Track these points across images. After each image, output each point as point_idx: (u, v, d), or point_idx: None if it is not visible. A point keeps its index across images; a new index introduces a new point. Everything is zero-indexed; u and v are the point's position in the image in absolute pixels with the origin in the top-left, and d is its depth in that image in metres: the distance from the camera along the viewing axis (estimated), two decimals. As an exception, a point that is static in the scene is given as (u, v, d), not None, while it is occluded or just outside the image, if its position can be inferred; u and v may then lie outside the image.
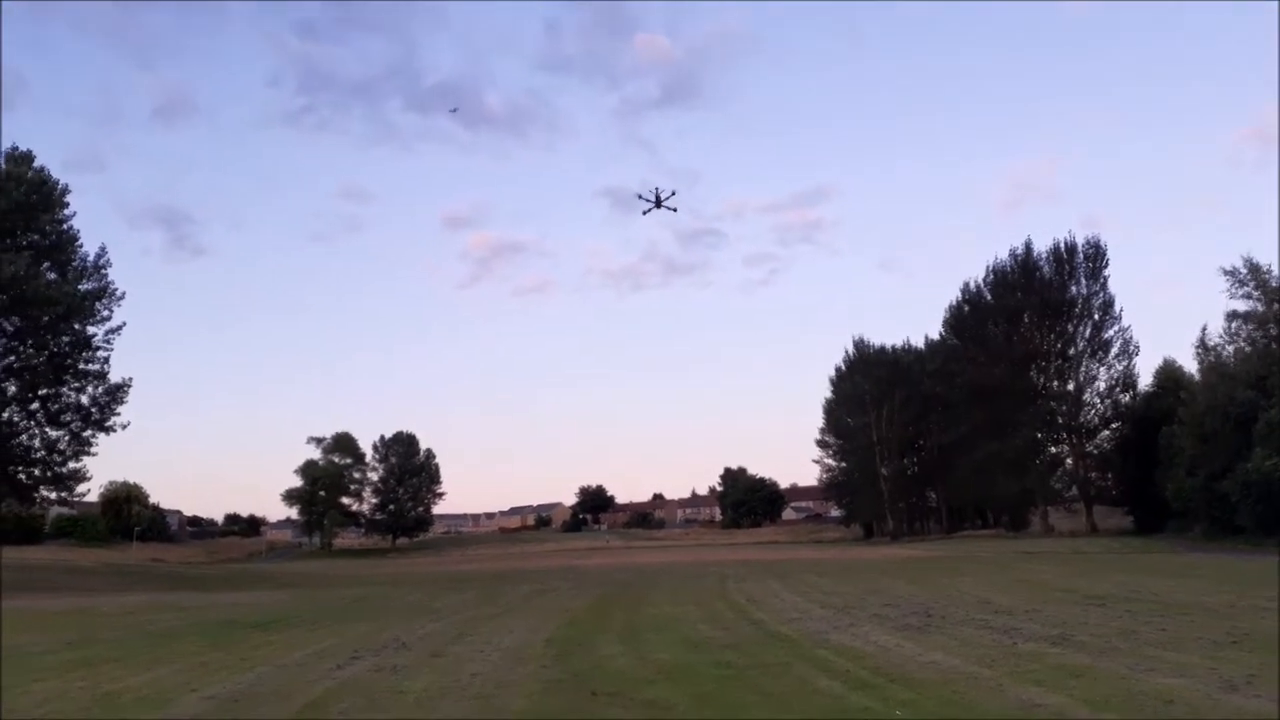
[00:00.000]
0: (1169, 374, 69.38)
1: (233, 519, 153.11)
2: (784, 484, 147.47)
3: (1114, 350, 73.93)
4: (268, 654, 14.16)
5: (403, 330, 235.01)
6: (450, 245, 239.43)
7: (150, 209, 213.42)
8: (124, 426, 45.79)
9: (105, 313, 44.33)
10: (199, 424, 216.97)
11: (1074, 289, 74.90)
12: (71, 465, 44.90)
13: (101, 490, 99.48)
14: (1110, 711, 7.98)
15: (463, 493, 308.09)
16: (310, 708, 9.32)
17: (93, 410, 45.00)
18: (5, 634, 18.50)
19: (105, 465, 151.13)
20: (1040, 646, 12.35)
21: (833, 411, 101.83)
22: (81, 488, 46.79)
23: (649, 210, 49.90)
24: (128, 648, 15.77)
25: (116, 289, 44.85)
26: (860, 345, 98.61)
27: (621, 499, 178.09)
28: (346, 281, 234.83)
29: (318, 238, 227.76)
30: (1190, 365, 65.79)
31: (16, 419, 44.04)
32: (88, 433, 45.15)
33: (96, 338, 44.50)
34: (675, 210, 52.34)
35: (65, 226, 43.62)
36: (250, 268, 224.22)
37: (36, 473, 44.76)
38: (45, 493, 46.83)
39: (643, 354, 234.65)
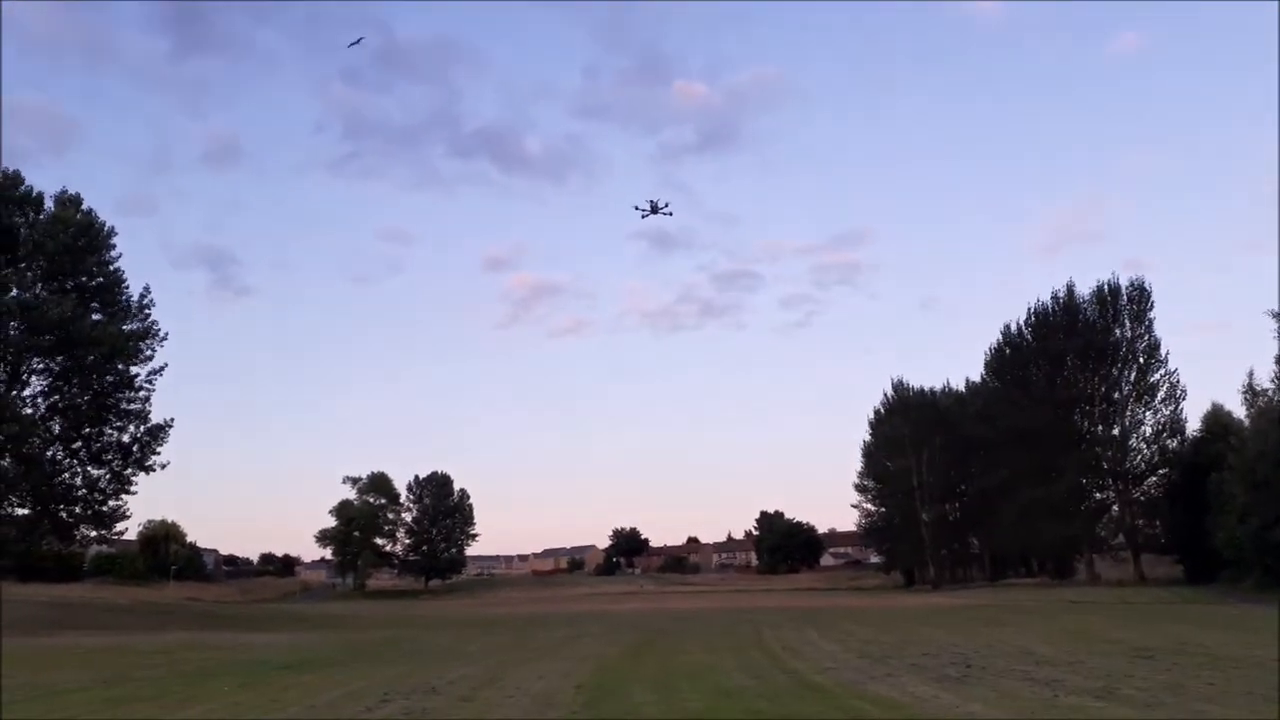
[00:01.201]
0: (1217, 419, 67.92)
1: (268, 559, 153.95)
2: (822, 528, 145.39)
3: (1160, 394, 72.64)
4: (299, 695, 14.13)
5: (440, 370, 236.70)
6: (489, 287, 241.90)
7: (196, 250, 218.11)
8: (164, 466, 46.36)
9: (148, 353, 45.10)
10: (236, 463, 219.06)
11: (1118, 332, 73.83)
12: (112, 504, 45.44)
13: (140, 529, 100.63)
14: (1157, 770, 7.70)
15: (496, 534, 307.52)
16: (337, 752, 9.25)
17: (134, 449, 45.59)
18: (41, 672, 18.67)
19: (143, 503, 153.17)
20: (1083, 700, 11.98)
21: (871, 455, 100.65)
22: (121, 526, 47.30)
23: (646, 215, 56.56)
24: (162, 687, 15.84)
25: (160, 330, 45.64)
26: (899, 387, 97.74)
27: (655, 542, 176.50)
28: (386, 322, 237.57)
29: (359, 279, 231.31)
30: (1239, 410, 64.47)
31: (60, 457, 44.75)
32: (128, 471, 45.72)
33: (139, 378, 45.22)
34: (671, 214, 57.42)
35: (112, 268, 44.59)
36: (292, 308, 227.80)
37: (78, 510, 45.33)
38: (85, 531, 47.36)
39: (678, 395, 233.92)
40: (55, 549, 65.73)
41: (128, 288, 45.03)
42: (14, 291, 40.19)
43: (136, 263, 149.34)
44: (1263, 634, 23.27)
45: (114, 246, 44.78)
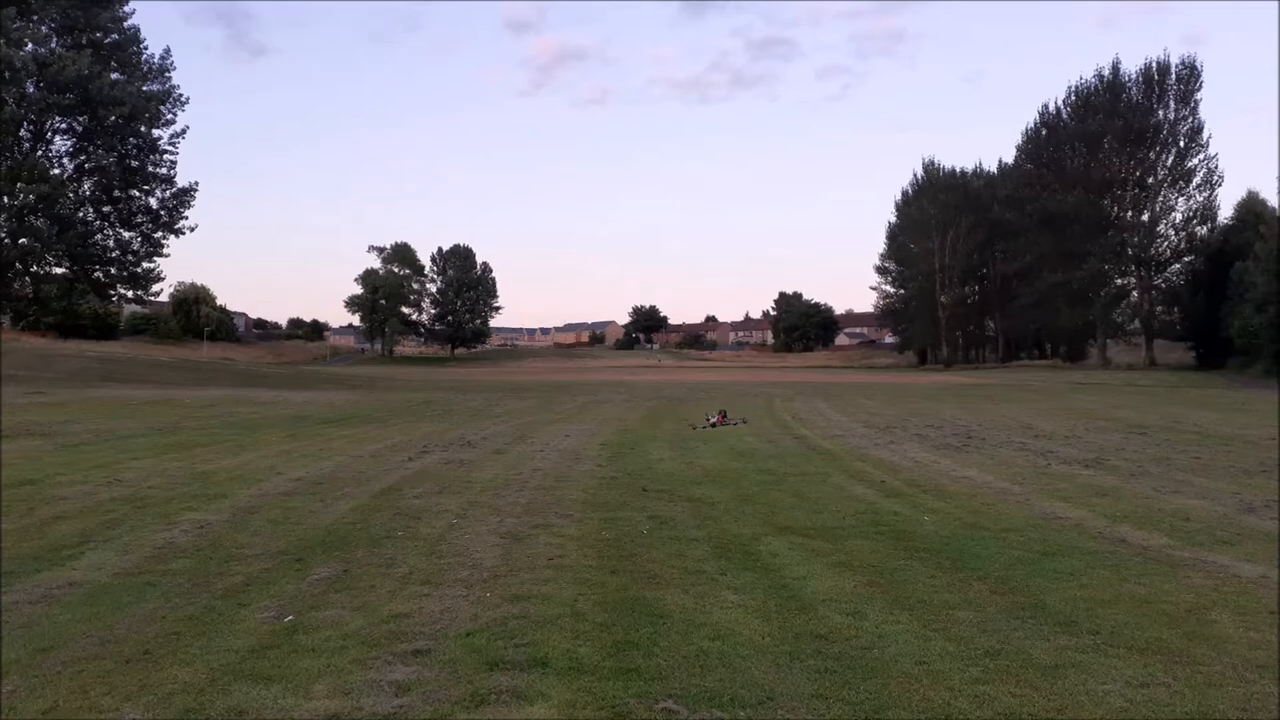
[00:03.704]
0: (1250, 207, 66.89)
1: (296, 323, 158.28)
2: (839, 310, 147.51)
3: (1196, 180, 71.27)
4: (343, 446, 15.23)
5: (462, 139, 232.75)
6: (511, 50, 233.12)
7: (208, 5, 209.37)
8: (192, 229, 47.23)
9: (169, 116, 44.77)
10: (261, 227, 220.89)
11: (1161, 113, 71.32)
12: (145, 265, 46.62)
13: (171, 291, 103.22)
14: (1127, 525, 8.45)
15: (519, 307, 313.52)
16: (387, 492, 10.20)
17: (162, 213, 46.23)
18: (101, 420, 19.99)
19: (172, 266, 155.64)
20: (1073, 469, 12.82)
21: (895, 237, 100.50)
22: (156, 288, 48.83)
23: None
24: (213, 435, 17.03)
25: (181, 94, 45.15)
26: (930, 168, 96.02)
27: (674, 320, 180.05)
28: (409, 87, 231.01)
29: (376, 37, 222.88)
30: (1275, 199, 63.26)
31: (91, 219, 45.42)
32: (158, 234, 46.58)
33: (162, 140, 45.16)
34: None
35: (126, 25, 43.46)
36: (311, 69, 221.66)
37: (113, 271, 46.56)
38: (122, 291, 48.87)
39: (703, 171, 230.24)
40: (93, 308, 68.07)
41: (145, 47, 44.18)
42: (29, 46, 39.36)
43: (149, 19, 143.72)
44: (1258, 415, 24.17)
45: (126, 1, 43.46)
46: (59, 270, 45.57)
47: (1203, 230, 71.54)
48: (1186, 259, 72.59)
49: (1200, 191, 71.33)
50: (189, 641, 4.90)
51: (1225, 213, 71.43)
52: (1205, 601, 5.82)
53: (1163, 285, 75.12)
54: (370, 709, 4.01)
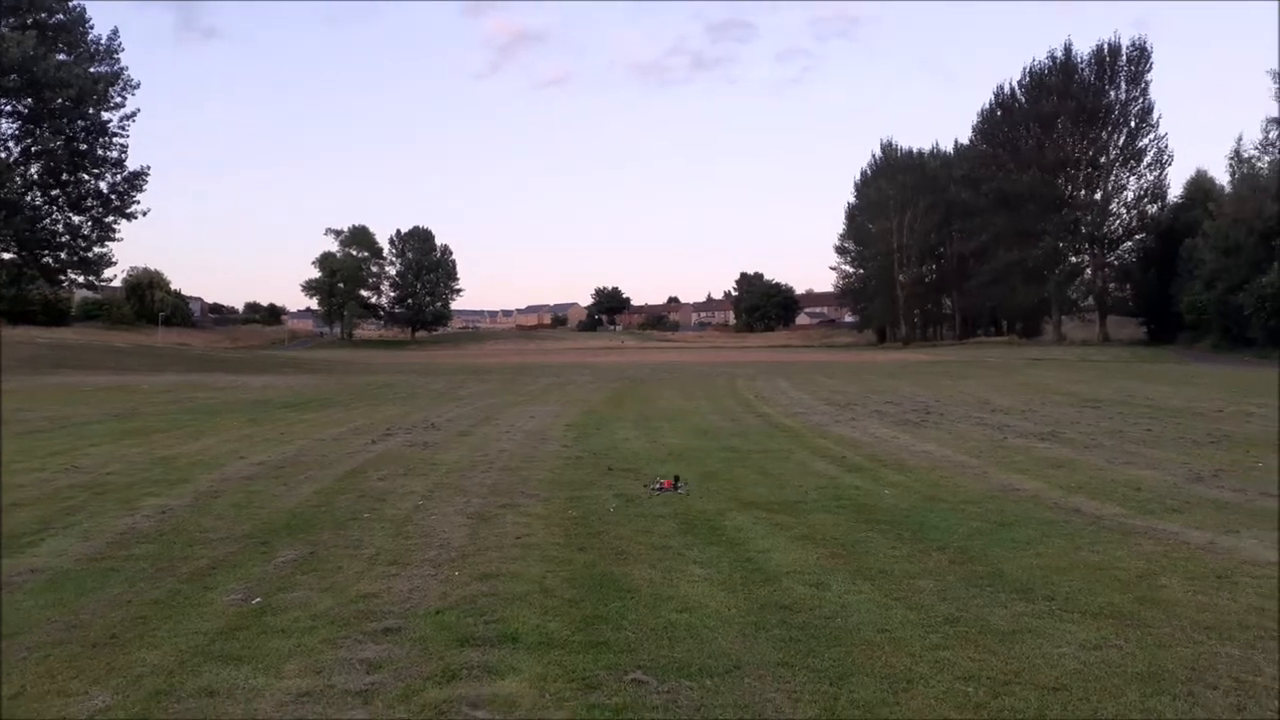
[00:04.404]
0: (1199, 185, 68.26)
1: (253, 307, 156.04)
2: (800, 290, 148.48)
3: (1147, 159, 72.55)
4: (305, 430, 15.10)
5: (419, 121, 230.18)
6: (469, 31, 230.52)
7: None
8: (144, 213, 46.36)
9: (118, 99, 43.78)
10: (216, 212, 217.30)
11: (1113, 94, 72.42)
12: (97, 250, 45.70)
13: (124, 276, 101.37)
14: (1081, 495, 8.68)
15: (480, 290, 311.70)
16: (352, 474, 10.16)
17: (113, 197, 45.30)
18: (55, 406, 19.64)
19: (125, 251, 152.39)
20: (1029, 442, 13.09)
21: (854, 217, 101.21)
22: (108, 273, 47.92)
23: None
24: (173, 421, 16.81)
25: (131, 76, 44.17)
26: (888, 149, 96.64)
27: (637, 301, 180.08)
28: (363, 67, 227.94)
29: (331, 17, 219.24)
30: (1223, 178, 64.62)
31: (40, 203, 44.37)
32: (109, 219, 45.65)
33: (111, 124, 44.17)
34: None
35: (71, 4, 42.37)
36: (265, 51, 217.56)
37: (63, 256, 45.59)
38: (73, 276, 47.89)
39: (664, 154, 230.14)
40: (43, 294, 66.64)
41: (91, 27, 43.10)
42: (-30, 28, 38.29)
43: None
44: (1207, 389, 24.77)
45: (70, -21, 42.36)
46: (7, 256, 44.55)
47: (1153, 208, 72.96)
48: (1138, 236, 73.96)
49: (1151, 170, 72.77)
50: (156, 625, 4.88)
51: (1175, 191, 73.03)
52: (1155, 567, 6.01)
53: (1115, 262, 76.52)
54: (342, 686, 4.04)
